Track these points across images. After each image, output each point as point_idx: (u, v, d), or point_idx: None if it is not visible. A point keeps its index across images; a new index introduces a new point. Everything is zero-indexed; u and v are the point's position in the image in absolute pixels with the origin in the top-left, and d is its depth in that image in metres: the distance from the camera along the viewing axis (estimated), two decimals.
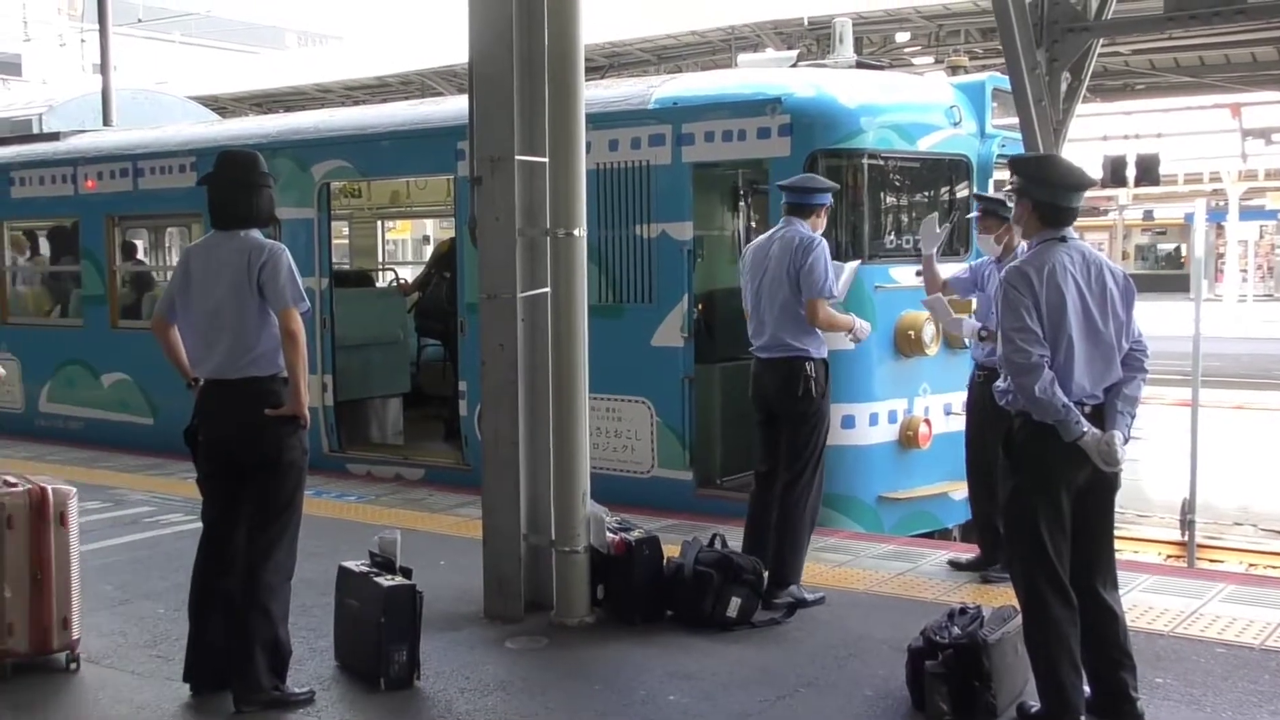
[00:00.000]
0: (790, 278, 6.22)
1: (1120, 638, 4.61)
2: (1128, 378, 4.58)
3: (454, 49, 19.58)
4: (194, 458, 5.11)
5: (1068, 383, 4.45)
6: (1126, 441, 4.50)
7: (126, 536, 7.77)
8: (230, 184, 5.03)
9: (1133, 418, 4.57)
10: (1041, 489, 4.49)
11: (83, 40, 30.15)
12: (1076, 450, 4.43)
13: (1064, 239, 4.57)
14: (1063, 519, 4.49)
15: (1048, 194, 4.57)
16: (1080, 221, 4.63)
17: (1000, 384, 4.65)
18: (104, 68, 15.16)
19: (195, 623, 5.07)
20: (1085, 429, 4.41)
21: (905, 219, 8.87)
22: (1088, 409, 4.48)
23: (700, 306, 8.85)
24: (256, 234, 5.02)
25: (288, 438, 4.91)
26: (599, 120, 8.03)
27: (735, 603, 5.94)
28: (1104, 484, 4.55)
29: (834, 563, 7.13)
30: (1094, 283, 4.53)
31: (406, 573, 5.36)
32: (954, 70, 9.25)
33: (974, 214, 6.98)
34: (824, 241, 6.28)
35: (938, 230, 6.92)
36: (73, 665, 5.43)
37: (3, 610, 5.26)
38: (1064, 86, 5.48)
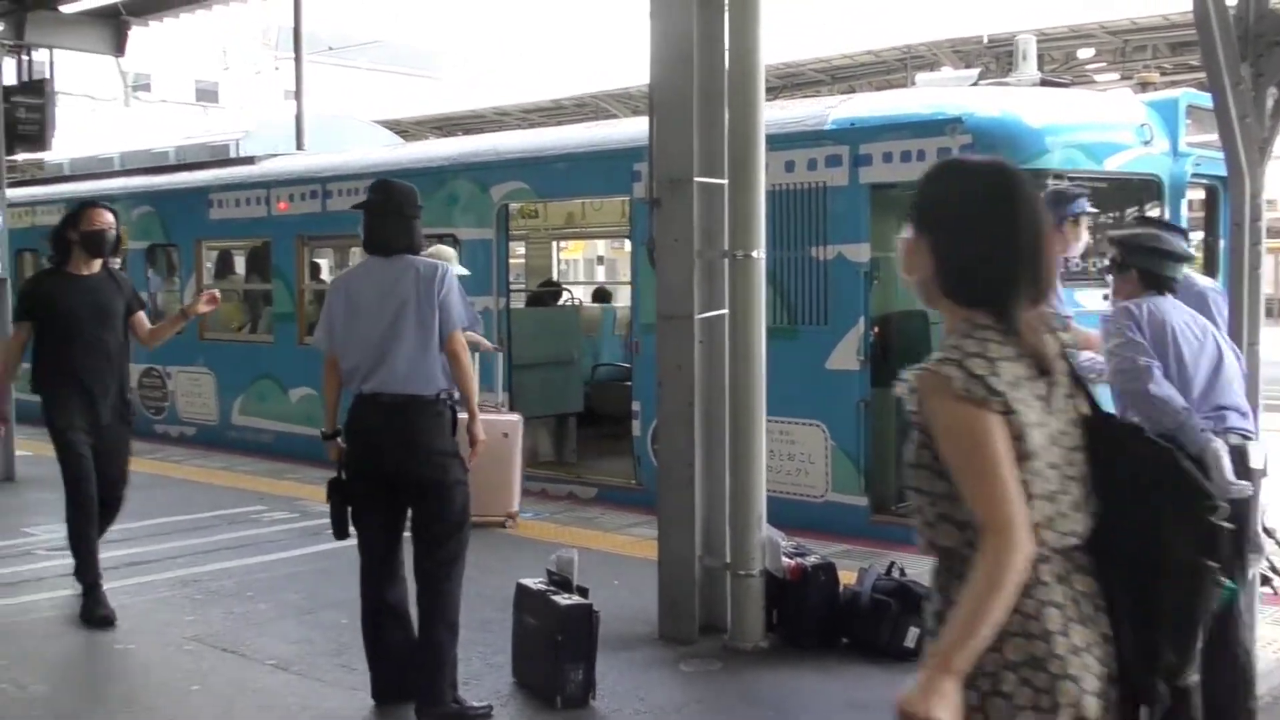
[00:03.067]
0: None
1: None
2: None
3: (628, 72, 19.85)
4: (346, 476, 5.09)
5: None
6: None
7: (311, 547, 8.02)
8: (397, 212, 5.09)
9: None
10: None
11: (276, 68, 31.49)
12: None
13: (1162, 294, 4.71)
14: None
15: (1155, 264, 4.70)
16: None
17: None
18: (298, 94, 15.80)
19: (372, 643, 5.13)
20: (1210, 436, 4.39)
21: (1091, 241, 8.58)
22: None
23: (877, 329, 8.72)
24: (419, 258, 5.11)
25: (453, 456, 4.97)
26: (775, 141, 7.96)
27: (914, 633, 5.80)
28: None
29: None
30: (1195, 325, 4.63)
31: (583, 592, 5.40)
32: (1144, 86, 8.94)
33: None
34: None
35: None
36: None
37: None
38: (1270, 102, 5.21)
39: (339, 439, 5.07)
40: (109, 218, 6.66)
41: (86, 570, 6.43)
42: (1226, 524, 2.32)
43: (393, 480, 4.97)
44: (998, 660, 2.31)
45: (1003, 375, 2.30)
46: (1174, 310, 4.66)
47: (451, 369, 4.99)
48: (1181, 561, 2.31)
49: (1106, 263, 4.91)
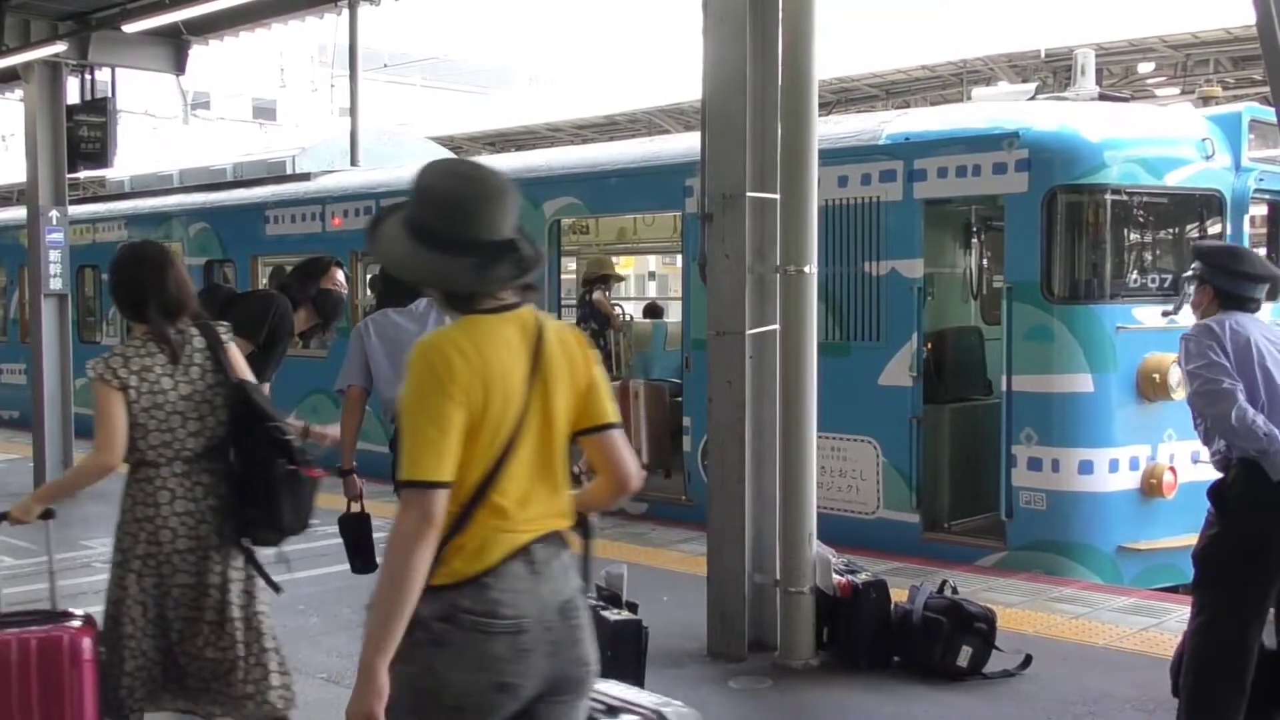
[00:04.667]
0: None
1: None
2: None
3: (681, 88, 19.81)
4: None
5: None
6: None
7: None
8: None
9: None
10: (1250, 543, 4.34)
11: (332, 85, 31.84)
12: None
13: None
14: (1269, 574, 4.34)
15: (1235, 285, 4.59)
16: None
17: (1210, 450, 4.52)
18: (353, 111, 15.95)
19: None
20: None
21: (1150, 257, 8.49)
22: None
23: (930, 346, 8.65)
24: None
25: None
26: (828, 156, 7.93)
27: (966, 652, 5.74)
28: None
29: (1070, 614, 6.82)
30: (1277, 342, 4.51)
31: (633, 607, 5.38)
32: (1206, 101, 8.83)
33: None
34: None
35: None
36: None
37: None
38: None
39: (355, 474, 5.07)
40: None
41: None
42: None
43: None
44: None
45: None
46: (1256, 325, 4.55)
47: None
48: None
49: (1189, 272, 4.80)
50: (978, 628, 5.78)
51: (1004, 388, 7.94)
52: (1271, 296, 4.82)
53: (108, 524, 4.25)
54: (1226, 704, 4.35)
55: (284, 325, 5.65)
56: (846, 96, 19.68)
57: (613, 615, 5.26)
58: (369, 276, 11.51)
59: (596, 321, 11.49)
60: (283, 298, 5.67)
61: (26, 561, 8.35)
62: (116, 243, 15.40)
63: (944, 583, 6.13)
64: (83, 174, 15.26)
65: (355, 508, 4.96)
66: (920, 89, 20.21)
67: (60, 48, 11.32)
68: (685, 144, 9.44)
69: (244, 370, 4.25)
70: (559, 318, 10.51)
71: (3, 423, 16.07)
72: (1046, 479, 7.74)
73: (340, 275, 6.04)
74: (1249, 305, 4.63)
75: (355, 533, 4.99)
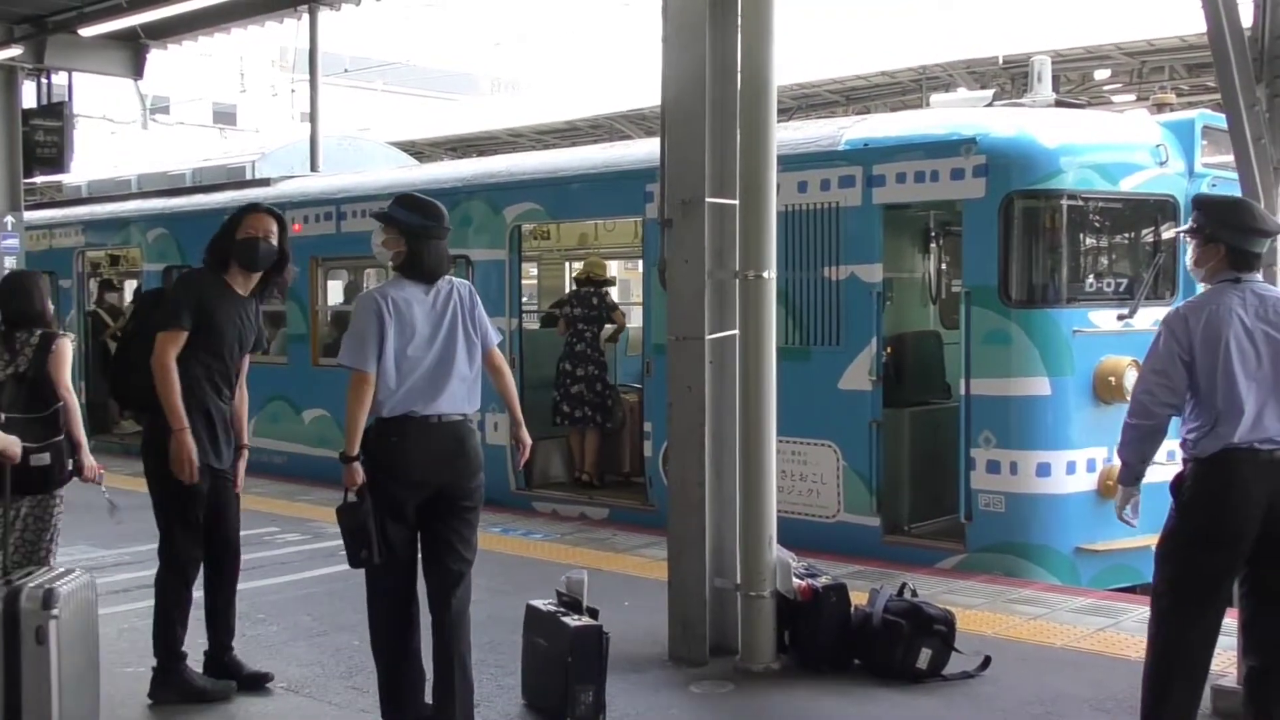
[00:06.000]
0: None
1: None
2: None
3: (642, 93, 19.87)
4: (379, 496, 4.90)
5: (1234, 424, 4.29)
6: None
7: (323, 569, 8.02)
8: (445, 234, 5.02)
9: None
10: (1200, 535, 4.38)
11: (293, 90, 31.64)
12: (1249, 499, 4.30)
13: (1238, 280, 4.46)
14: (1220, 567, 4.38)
15: (1241, 239, 4.47)
16: None
17: (1182, 434, 4.52)
18: (313, 116, 15.84)
19: (394, 674, 4.99)
20: (1124, 483, 4.60)
21: (1106, 261, 8.58)
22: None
23: (889, 350, 8.70)
24: (450, 276, 5.09)
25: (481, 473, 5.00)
26: (788, 162, 8.00)
27: (926, 654, 5.78)
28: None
29: (1029, 615, 6.87)
30: (1269, 325, 4.38)
31: (593, 613, 5.38)
32: (1160, 107, 8.93)
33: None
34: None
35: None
36: None
37: None
38: None
39: (359, 462, 4.87)
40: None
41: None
42: None
43: (436, 499, 4.87)
44: None
45: None
46: (1239, 310, 4.37)
47: (497, 382, 5.13)
48: None
49: (1188, 227, 4.63)
50: (937, 630, 5.81)
51: (962, 391, 8.00)
52: None
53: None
54: (1178, 697, 4.39)
55: (195, 297, 5.47)
56: (807, 102, 19.76)
57: (573, 621, 5.26)
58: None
59: (597, 324, 11.01)
60: (192, 272, 5.69)
61: None
62: (74, 249, 15.27)
63: (904, 585, 6.16)
64: (39, 179, 15.11)
65: (352, 498, 4.87)
66: (880, 95, 20.34)
67: (15, 51, 11.24)
68: (646, 149, 9.46)
69: None
70: (519, 323, 10.50)
71: None
72: (1005, 481, 7.80)
73: (265, 222, 5.58)
74: (1255, 261, 4.50)
75: (352, 523, 4.88)
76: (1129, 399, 4.63)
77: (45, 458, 5.42)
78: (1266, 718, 4.46)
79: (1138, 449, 4.53)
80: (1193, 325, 4.37)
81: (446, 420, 4.89)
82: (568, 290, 16.43)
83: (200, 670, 5.65)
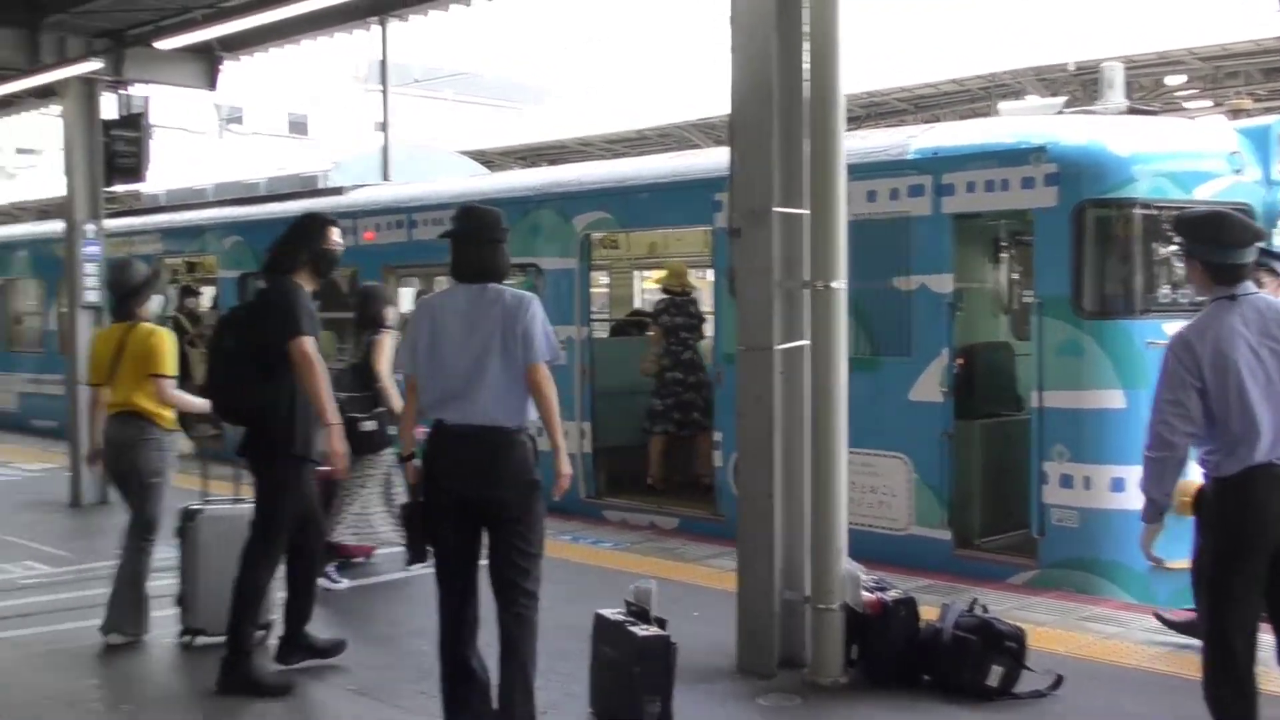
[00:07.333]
0: None
1: None
2: None
3: (711, 102, 19.85)
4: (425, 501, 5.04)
5: (1254, 446, 4.26)
6: None
7: (397, 574, 8.09)
8: (484, 239, 5.07)
9: None
10: (1223, 549, 4.36)
11: (365, 100, 32.07)
12: (1267, 511, 4.28)
13: (1234, 297, 4.38)
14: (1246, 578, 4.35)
15: (1217, 254, 4.40)
16: None
17: (1200, 455, 4.48)
18: (385, 125, 16.07)
19: (451, 704, 5.04)
20: (1148, 520, 4.49)
21: (1180, 271, 8.43)
22: None
23: (961, 361, 8.62)
24: (508, 288, 5.09)
25: (536, 485, 4.93)
26: (856, 171, 7.91)
27: (997, 671, 5.70)
28: None
29: (1102, 634, 6.77)
30: (1274, 339, 4.32)
31: (661, 623, 5.39)
32: (1236, 113, 8.78)
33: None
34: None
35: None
36: None
37: None
38: None
39: (415, 461, 5.06)
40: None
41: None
42: None
43: (475, 508, 4.90)
44: None
45: None
46: (1240, 339, 4.29)
47: (535, 401, 4.95)
48: None
49: (1175, 244, 4.66)
50: (1008, 647, 5.74)
51: (1035, 403, 7.90)
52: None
53: None
54: (1230, 709, 4.37)
55: (309, 306, 5.97)
56: (876, 111, 19.66)
57: (641, 631, 5.26)
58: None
59: (698, 332, 11.09)
60: (289, 281, 6.04)
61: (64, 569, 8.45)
62: (152, 255, 15.56)
63: (974, 601, 6.10)
64: (118, 188, 15.41)
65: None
66: (948, 103, 20.16)
67: (95, 65, 11.46)
68: (714, 158, 9.46)
69: None
70: (589, 332, 10.53)
71: (43, 432, 16.23)
72: (1078, 496, 7.70)
73: (336, 234, 6.18)
74: (1241, 272, 4.41)
75: (405, 521, 5.11)
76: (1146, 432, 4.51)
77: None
78: None
79: (1160, 483, 4.44)
80: (1199, 351, 4.31)
81: (477, 429, 4.86)
82: (638, 300, 16.54)
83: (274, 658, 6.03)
